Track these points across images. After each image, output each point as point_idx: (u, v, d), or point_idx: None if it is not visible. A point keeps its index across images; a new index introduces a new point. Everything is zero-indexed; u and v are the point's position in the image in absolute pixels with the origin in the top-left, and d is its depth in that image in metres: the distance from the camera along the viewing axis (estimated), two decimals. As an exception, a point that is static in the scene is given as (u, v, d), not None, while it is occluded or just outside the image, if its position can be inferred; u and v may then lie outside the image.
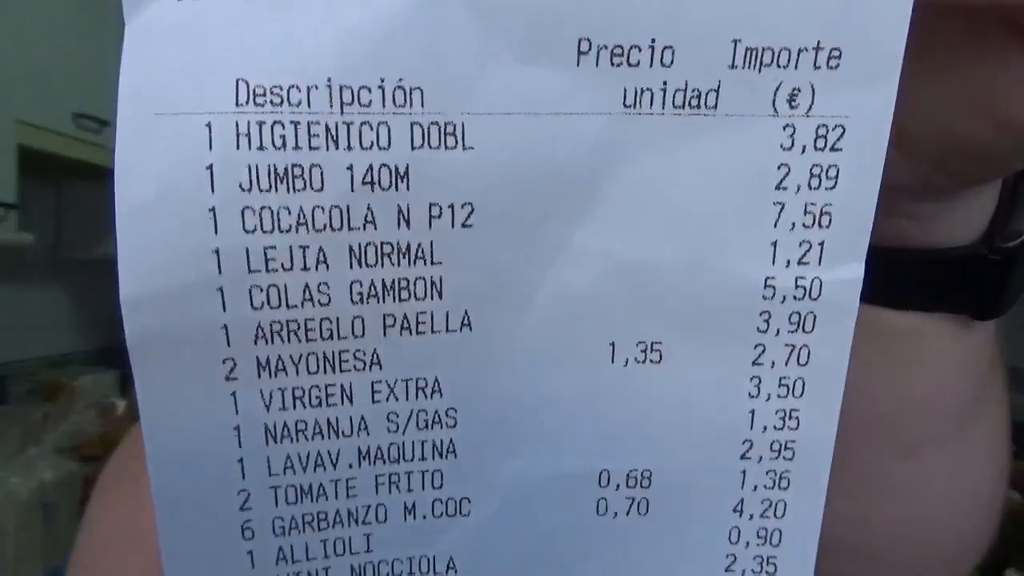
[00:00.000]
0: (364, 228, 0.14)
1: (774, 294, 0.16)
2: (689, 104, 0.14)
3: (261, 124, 0.13)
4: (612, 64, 0.14)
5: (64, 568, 0.33)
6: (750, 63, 0.14)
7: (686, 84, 0.14)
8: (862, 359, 0.19)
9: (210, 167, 0.13)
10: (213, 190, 0.14)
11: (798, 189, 0.15)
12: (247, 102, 0.13)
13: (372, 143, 0.14)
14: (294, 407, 0.16)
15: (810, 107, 0.14)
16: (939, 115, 0.15)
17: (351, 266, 0.15)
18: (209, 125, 0.13)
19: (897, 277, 0.18)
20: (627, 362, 0.16)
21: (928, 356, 0.19)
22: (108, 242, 1.81)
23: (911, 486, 0.21)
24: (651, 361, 0.16)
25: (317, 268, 0.15)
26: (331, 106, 0.14)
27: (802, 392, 0.16)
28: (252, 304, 0.15)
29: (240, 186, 0.14)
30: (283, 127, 0.13)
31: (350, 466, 0.16)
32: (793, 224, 0.15)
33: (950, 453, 0.20)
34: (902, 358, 0.19)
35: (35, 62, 1.44)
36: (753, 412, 0.17)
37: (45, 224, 1.79)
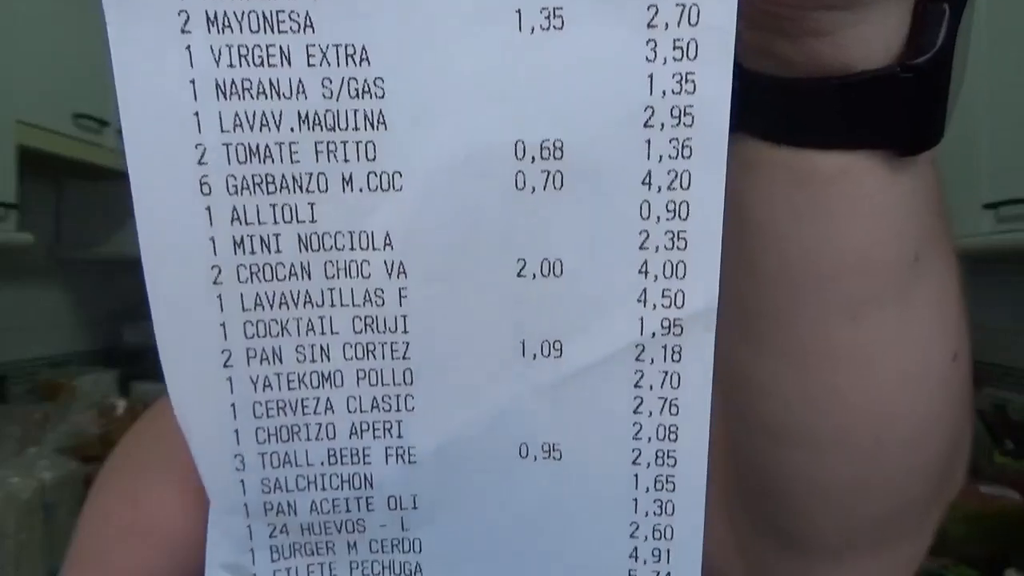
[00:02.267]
0: None
1: None
2: None
3: None
4: None
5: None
6: None
7: None
8: (794, 211, 0.19)
9: None
10: None
11: None
12: None
13: None
14: (240, 64, 0.18)
15: None
16: None
17: None
18: None
19: (817, 110, 0.18)
20: (532, 30, 0.17)
21: (860, 203, 0.19)
22: (108, 242, 1.81)
23: (856, 353, 0.20)
24: (554, 27, 0.17)
25: None
26: None
27: (695, 54, 0.17)
28: None
29: None
30: None
31: (292, 129, 0.18)
32: None
33: (893, 317, 0.20)
34: (834, 207, 0.19)
35: (35, 62, 1.44)
36: (651, 76, 0.17)
37: (45, 224, 1.79)
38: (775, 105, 0.19)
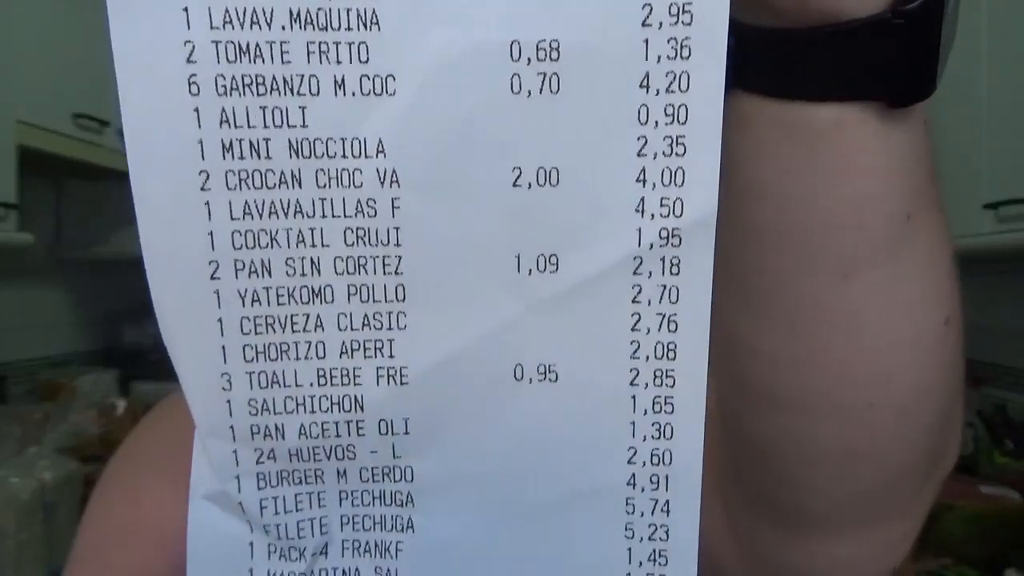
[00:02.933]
0: None
1: None
2: None
3: None
4: None
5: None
6: None
7: None
8: (787, 166, 0.19)
9: None
10: None
11: None
12: None
13: None
14: None
15: None
16: None
17: None
18: None
19: (809, 60, 0.18)
20: None
21: (853, 157, 0.19)
22: (108, 242, 1.80)
23: (848, 314, 0.20)
24: None
25: None
26: None
27: None
28: None
29: None
30: None
31: (283, 28, 0.18)
32: None
33: (885, 278, 0.20)
34: (827, 161, 0.19)
35: (35, 62, 1.44)
36: None
37: (45, 224, 1.79)
38: (768, 57, 0.19)
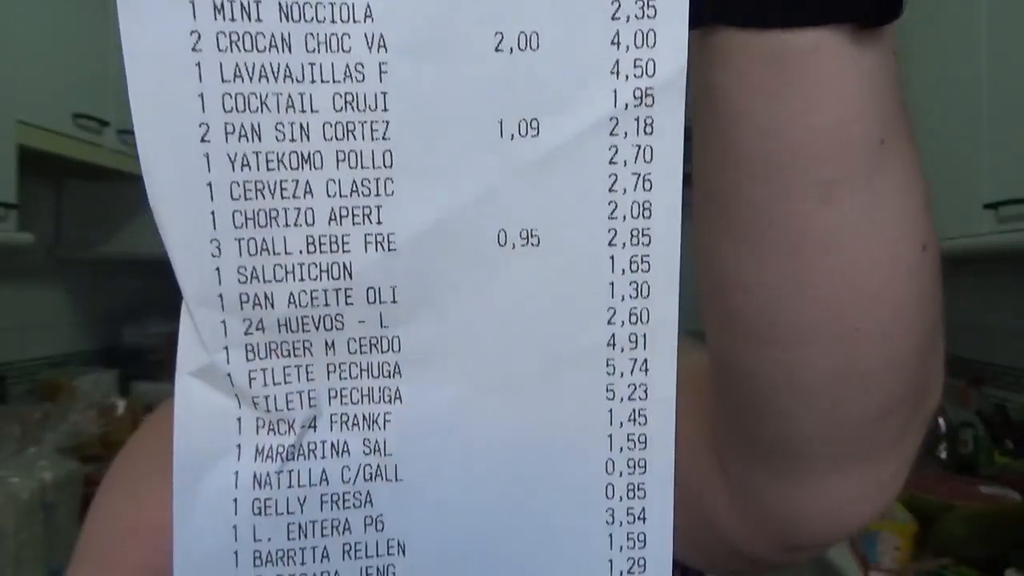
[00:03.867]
0: None
1: None
2: None
3: None
4: None
5: (65, 567, 0.34)
6: None
7: None
8: (767, 93, 0.20)
9: None
10: None
11: None
12: None
13: None
14: None
15: None
16: None
17: None
18: None
19: None
20: None
21: (829, 79, 0.20)
22: (108, 242, 1.81)
23: (830, 237, 0.21)
24: None
25: None
26: None
27: None
28: None
29: None
30: None
31: None
32: None
33: (863, 201, 0.21)
34: (805, 85, 0.20)
35: (35, 62, 1.44)
36: None
37: (45, 224, 1.79)
38: None
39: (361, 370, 0.22)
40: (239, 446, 0.21)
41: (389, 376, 0.22)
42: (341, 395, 0.22)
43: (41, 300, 1.84)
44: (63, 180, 1.84)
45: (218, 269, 0.20)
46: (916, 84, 1.48)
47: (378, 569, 0.22)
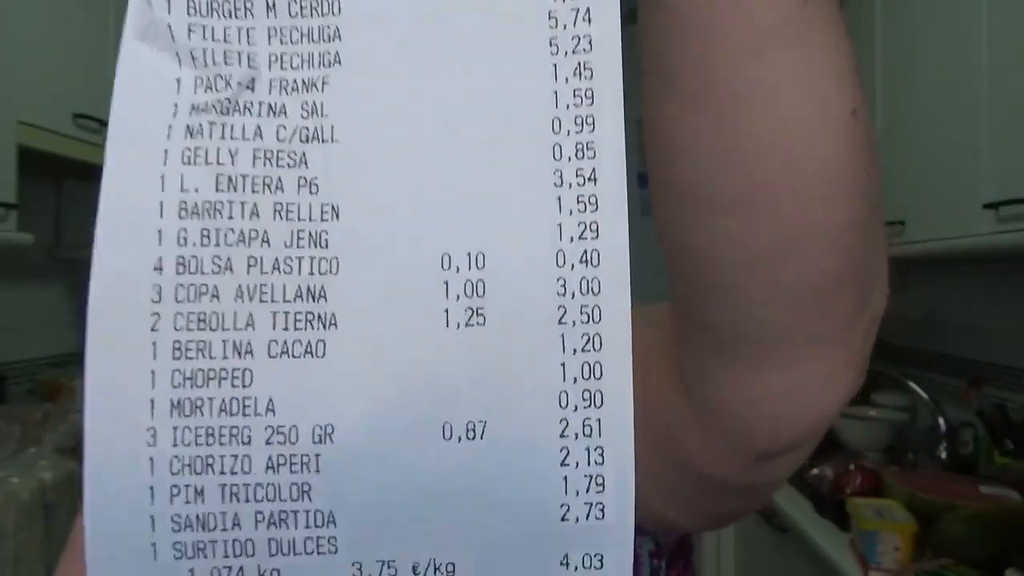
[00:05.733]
0: None
1: None
2: None
3: None
4: None
5: (64, 567, 0.34)
6: None
7: None
8: None
9: None
10: None
11: None
12: None
13: None
14: None
15: None
16: None
17: None
18: None
19: None
20: None
21: None
22: (108, 242, 1.80)
23: (764, 91, 0.22)
24: None
25: None
26: None
27: None
28: None
29: None
30: None
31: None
32: None
33: (794, 59, 0.22)
34: None
35: (35, 62, 1.44)
36: None
37: (45, 224, 1.79)
38: None
39: (302, 35, 0.22)
40: (176, 104, 0.21)
41: (328, 40, 0.22)
42: (281, 60, 0.22)
43: (41, 300, 1.85)
44: (63, 180, 1.84)
45: None
46: (916, 84, 1.48)
47: (310, 234, 0.21)
